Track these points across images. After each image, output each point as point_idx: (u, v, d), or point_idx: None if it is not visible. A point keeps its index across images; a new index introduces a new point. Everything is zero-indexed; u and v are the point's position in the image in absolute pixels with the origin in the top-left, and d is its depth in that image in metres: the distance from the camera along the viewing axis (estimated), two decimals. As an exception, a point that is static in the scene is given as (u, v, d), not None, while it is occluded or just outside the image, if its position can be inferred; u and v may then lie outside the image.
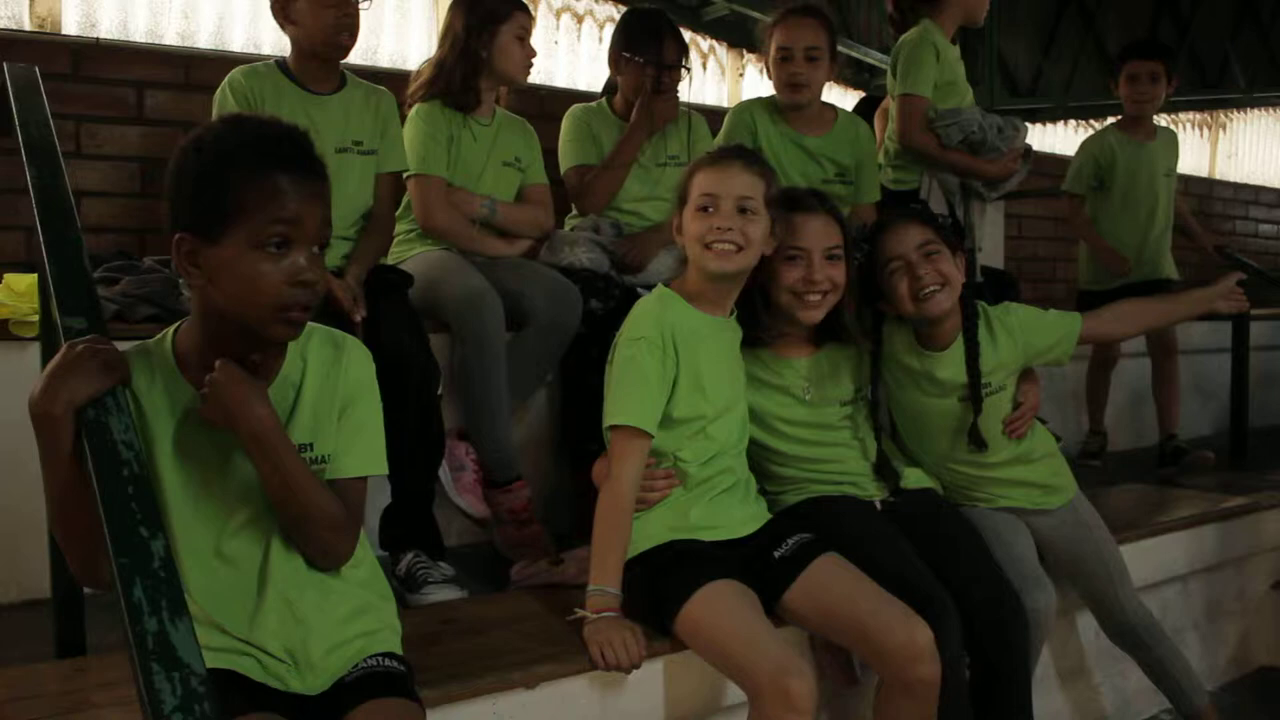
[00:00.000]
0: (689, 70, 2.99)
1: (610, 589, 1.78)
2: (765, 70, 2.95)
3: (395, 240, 2.60)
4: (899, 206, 2.24)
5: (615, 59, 2.96)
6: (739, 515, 1.98)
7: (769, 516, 2.04)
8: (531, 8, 4.43)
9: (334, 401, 1.46)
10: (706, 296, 1.97)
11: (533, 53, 2.70)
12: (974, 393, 2.15)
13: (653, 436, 1.86)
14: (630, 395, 1.86)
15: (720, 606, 1.78)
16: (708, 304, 1.97)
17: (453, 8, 2.70)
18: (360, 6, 2.39)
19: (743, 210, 1.90)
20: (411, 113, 2.64)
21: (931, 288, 2.08)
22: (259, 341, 1.36)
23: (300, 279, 1.32)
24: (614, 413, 1.86)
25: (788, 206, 2.01)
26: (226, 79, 2.36)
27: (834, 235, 2.04)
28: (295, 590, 1.42)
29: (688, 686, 1.85)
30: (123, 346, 1.37)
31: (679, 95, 2.98)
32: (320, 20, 2.32)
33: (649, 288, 2.28)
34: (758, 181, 1.92)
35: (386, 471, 1.51)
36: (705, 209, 1.90)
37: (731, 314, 2.02)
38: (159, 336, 1.43)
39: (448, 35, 2.67)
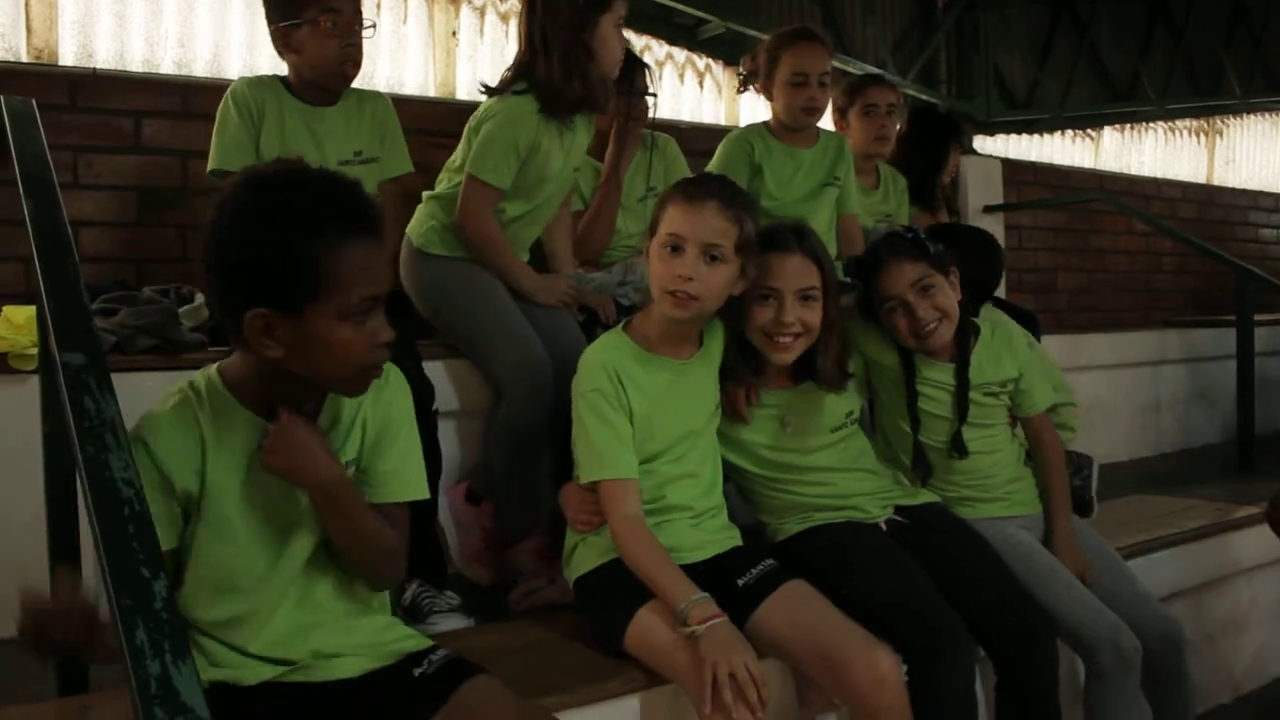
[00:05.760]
0: (655, 96, 2.96)
1: (696, 594, 1.73)
2: (763, 90, 2.96)
3: (421, 224, 2.51)
4: (892, 239, 2.25)
5: None
6: (690, 540, 1.94)
7: (736, 543, 2.00)
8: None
9: (380, 426, 1.48)
10: (667, 337, 1.94)
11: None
12: (961, 398, 2.20)
13: (636, 477, 1.86)
14: (605, 449, 1.85)
15: (656, 627, 1.76)
16: (668, 345, 1.95)
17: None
18: (364, 35, 2.38)
19: (710, 257, 1.84)
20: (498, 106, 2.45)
21: (931, 325, 2.12)
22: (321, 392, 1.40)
23: (381, 341, 1.35)
24: (594, 469, 1.85)
25: (764, 245, 1.95)
26: (230, 88, 2.39)
27: (810, 276, 1.98)
28: (321, 613, 1.47)
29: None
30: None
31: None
32: (324, 50, 2.32)
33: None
34: (730, 227, 1.85)
35: (428, 495, 1.56)
36: (672, 248, 1.85)
37: (699, 347, 2.00)
38: (203, 377, 1.43)
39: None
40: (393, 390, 1.51)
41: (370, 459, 1.48)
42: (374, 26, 2.42)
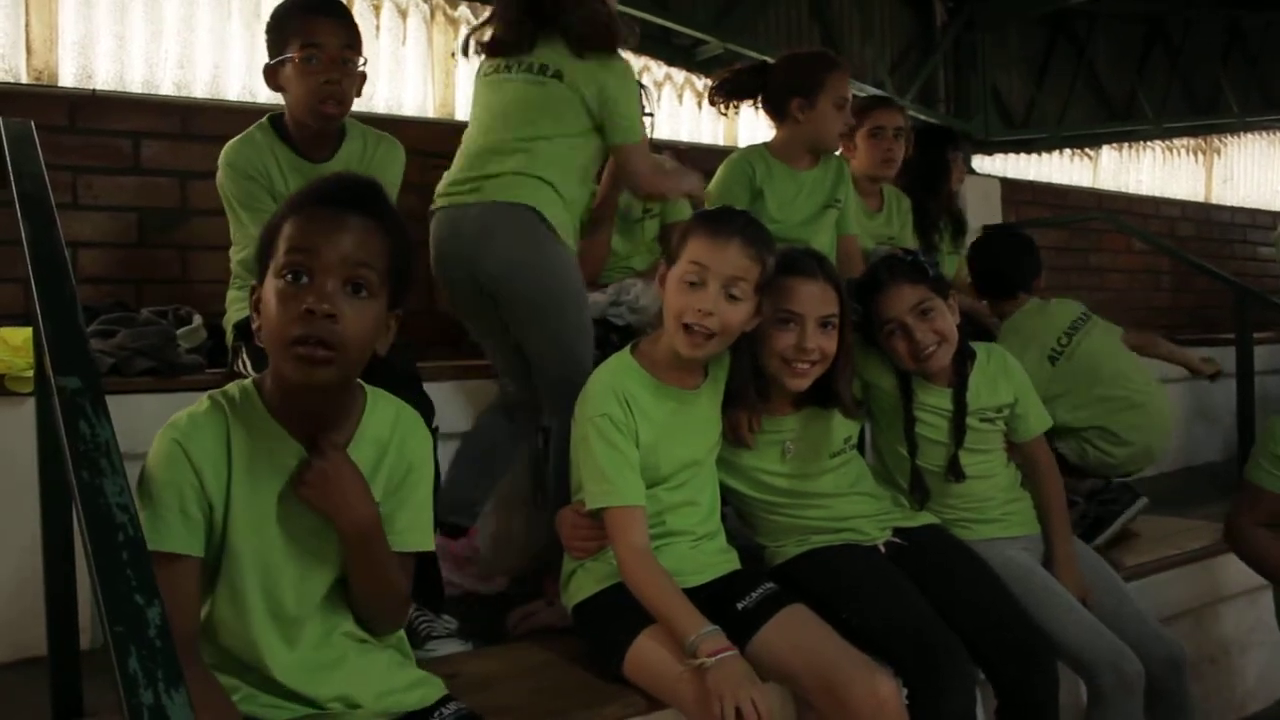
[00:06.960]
0: (653, 116, 2.93)
1: (706, 627, 1.71)
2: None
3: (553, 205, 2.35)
4: (890, 262, 2.25)
5: None
6: (690, 564, 1.92)
7: (734, 566, 1.98)
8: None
9: (404, 471, 1.46)
10: (675, 365, 1.92)
11: None
12: (958, 423, 2.20)
13: (644, 504, 1.83)
14: (615, 476, 1.82)
15: (656, 654, 1.75)
16: (675, 374, 1.93)
17: None
18: (358, 68, 2.29)
19: (730, 295, 1.83)
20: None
21: (930, 348, 2.12)
22: (308, 394, 1.35)
23: (309, 307, 1.28)
24: (602, 496, 1.82)
25: (785, 269, 1.94)
26: (223, 158, 2.30)
27: (830, 304, 1.98)
28: (340, 649, 1.44)
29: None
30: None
31: None
32: (304, 86, 2.23)
33: (637, 330, 2.25)
34: (752, 265, 1.84)
35: (433, 548, 1.55)
36: (692, 282, 1.83)
37: (705, 377, 1.98)
38: (237, 388, 1.41)
39: None
40: (419, 435, 1.50)
41: (392, 506, 1.44)
42: (365, 61, 2.31)
